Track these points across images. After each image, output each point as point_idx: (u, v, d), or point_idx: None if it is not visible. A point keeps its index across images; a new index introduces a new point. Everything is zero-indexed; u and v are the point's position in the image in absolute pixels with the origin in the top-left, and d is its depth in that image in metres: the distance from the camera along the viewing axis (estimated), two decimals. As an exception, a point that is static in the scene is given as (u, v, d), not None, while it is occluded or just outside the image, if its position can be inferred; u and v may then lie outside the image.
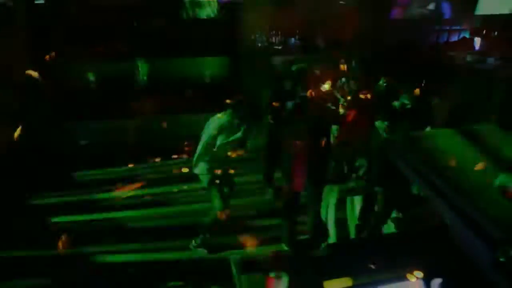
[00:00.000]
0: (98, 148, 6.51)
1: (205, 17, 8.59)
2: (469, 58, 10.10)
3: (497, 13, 10.26)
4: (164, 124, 7.00)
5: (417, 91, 4.91)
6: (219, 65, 8.28)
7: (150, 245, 4.39)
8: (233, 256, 2.83)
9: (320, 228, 4.13)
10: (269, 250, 4.21)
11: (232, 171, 4.50)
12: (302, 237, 4.16)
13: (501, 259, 1.48)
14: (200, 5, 8.65)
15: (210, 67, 8.24)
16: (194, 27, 8.28)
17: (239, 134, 4.19)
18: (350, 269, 1.41)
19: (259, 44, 8.89)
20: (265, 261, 1.84)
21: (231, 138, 4.15)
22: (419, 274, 1.39)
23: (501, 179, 1.65)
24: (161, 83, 7.59)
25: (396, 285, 1.36)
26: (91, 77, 7.62)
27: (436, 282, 1.37)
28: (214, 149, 4.13)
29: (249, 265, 1.91)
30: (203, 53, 8.12)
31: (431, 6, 12.02)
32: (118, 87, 7.42)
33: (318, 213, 4.22)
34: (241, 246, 4.34)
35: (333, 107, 4.85)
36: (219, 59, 8.26)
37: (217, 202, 4.25)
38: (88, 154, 6.44)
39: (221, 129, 4.13)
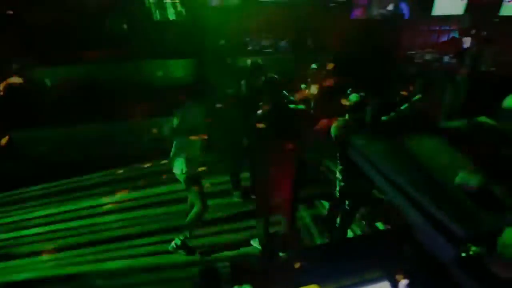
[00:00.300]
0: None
1: (170, 19, 8.44)
2: (427, 57, 10.50)
3: (451, 13, 10.72)
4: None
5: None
6: (185, 67, 8.14)
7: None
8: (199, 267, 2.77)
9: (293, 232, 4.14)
10: (240, 252, 4.20)
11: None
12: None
13: (464, 256, 1.50)
14: (164, 7, 8.47)
15: (177, 69, 8.09)
16: (158, 29, 8.11)
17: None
18: (318, 275, 1.38)
19: (250, 48, 8.87)
20: (229, 272, 1.80)
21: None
22: (386, 276, 1.38)
23: (460, 177, 1.68)
24: (127, 86, 7.37)
25: (364, 289, 1.35)
26: (48, 83, 7.28)
27: (403, 283, 1.36)
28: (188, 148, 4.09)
29: (213, 276, 1.87)
30: (169, 56, 7.97)
31: (390, 7, 12.41)
32: (83, 91, 7.17)
33: (294, 217, 4.23)
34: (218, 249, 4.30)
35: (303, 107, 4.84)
36: (186, 61, 8.12)
37: (198, 202, 4.21)
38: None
39: (194, 128, 4.08)
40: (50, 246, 4.44)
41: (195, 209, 4.24)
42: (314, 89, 5.60)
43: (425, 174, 1.75)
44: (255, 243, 4.29)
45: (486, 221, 1.46)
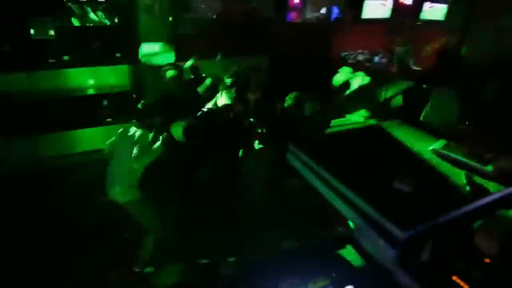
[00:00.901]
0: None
1: (98, 24, 7.97)
2: (360, 57, 11.07)
3: (378, 17, 11.40)
4: None
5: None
6: (117, 74, 7.72)
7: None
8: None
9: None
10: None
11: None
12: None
13: (403, 256, 1.54)
14: (92, 11, 7.99)
15: (107, 76, 7.64)
16: (85, 34, 7.61)
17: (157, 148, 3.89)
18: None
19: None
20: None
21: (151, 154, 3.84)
22: (331, 284, 1.37)
23: (397, 178, 1.73)
24: (50, 96, 6.80)
25: (309, 299, 1.32)
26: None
27: (348, 289, 1.36)
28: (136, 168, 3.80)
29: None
30: (98, 62, 7.52)
31: (323, 10, 12.89)
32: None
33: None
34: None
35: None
36: (117, 68, 7.70)
37: (152, 224, 3.97)
38: None
39: (138, 144, 3.79)
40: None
41: (152, 235, 3.99)
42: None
43: (363, 177, 1.79)
44: None
45: (422, 221, 1.51)
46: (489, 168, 1.87)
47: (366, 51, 11.21)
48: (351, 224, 1.68)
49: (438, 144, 2.14)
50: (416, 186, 1.66)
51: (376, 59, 10.94)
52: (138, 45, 7.74)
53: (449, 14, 12.53)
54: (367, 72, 9.96)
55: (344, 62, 10.63)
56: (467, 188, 1.81)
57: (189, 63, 6.27)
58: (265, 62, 9.52)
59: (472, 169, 1.92)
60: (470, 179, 1.87)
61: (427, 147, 2.11)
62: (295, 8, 12.93)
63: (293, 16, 12.73)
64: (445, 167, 1.96)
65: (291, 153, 2.11)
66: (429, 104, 5.36)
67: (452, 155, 2.00)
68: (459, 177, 1.90)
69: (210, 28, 9.12)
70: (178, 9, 8.51)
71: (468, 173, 1.89)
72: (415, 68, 10.48)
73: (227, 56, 8.54)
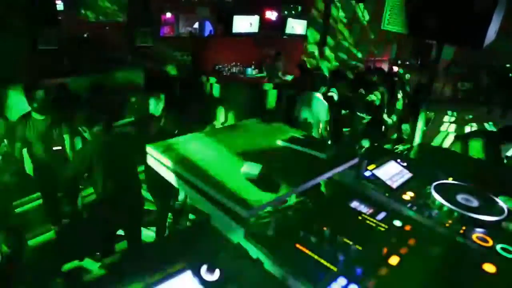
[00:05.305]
0: None
1: None
2: (234, 69, 11.64)
3: (247, 31, 12.24)
4: None
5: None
6: None
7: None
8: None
9: None
10: None
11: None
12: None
13: (250, 233, 1.77)
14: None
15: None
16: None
17: None
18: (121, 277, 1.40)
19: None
20: None
21: None
22: (187, 265, 1.50)
23: (244, 166, 1.97)
24: None
25: (167, 283, 1.43)
26: None
27: (204, 267, 1.51)
28: None
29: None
30: None
31: (196, 25, 13.28)
32: None
33: None
34: None
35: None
36: None
37: None
38: None
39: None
40: None
41: None
42: None
43: (213, 168, 1.97)
44: None
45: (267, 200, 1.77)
46: (323, 155, 2.24)
47: (239, 63, 11.83)
48: (208, 212, 1.85)
49: (285, 137, 2.45)
50: (262, 172, 1.92)
51: (249, 70, 11.64)
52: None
53: (308, 29, 14.14)
54: (242, 83, 10.61)
55: (218, 74, 11.04)
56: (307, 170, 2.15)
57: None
58: (140, 76, 9.37)
59: (310, 156, 2.27)
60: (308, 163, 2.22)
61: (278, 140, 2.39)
62: (168, 22, 13.04)
63: (166, 30, 12.80)
64: (288, 156, 2.28)
65: (150, 155, 2.19)
66: (300, 105, 6.17)
67: (293, 146, 2.33)
68: (300, 162, 2.23)
69: (76, 43, 8.69)
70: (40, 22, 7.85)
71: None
72: (283, 78, 11.47)
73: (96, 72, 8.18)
